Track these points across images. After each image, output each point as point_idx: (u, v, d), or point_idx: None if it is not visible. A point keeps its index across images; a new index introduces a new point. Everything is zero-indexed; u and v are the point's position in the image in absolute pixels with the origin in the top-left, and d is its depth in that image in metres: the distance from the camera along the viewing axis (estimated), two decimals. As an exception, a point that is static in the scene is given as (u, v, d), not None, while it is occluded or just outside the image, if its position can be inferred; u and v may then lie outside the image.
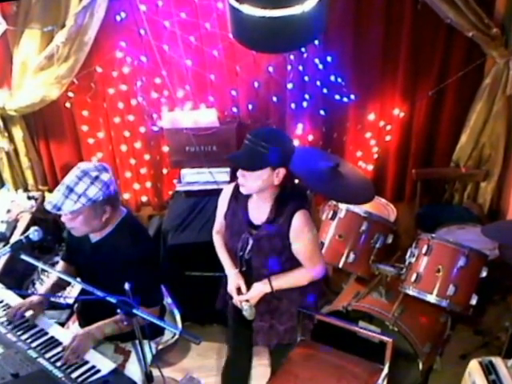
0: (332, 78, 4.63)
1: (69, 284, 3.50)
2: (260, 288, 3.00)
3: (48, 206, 2.77)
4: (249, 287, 3.03)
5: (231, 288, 3.05)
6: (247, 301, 3.01)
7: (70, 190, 2.74)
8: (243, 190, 2.88)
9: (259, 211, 2.97)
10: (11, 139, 4.81)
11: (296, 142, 4.79)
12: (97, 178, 2.79)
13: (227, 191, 3.11)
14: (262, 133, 2.83)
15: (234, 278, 3.05)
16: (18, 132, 4.78)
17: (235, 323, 3.33)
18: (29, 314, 3.06)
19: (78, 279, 3.02)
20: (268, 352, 3.63)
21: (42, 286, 3.39)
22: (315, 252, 3.01)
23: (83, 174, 2.78)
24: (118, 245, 2.94)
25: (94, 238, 3.02)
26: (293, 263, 3.01)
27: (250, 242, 2.95)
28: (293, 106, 4.71)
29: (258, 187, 2.83)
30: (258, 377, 3.68)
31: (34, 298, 3.13)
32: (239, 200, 3.02)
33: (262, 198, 2.92)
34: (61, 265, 3.36)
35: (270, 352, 3.56)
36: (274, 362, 3.57)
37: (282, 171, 2.82)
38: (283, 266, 3.00)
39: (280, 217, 2.89)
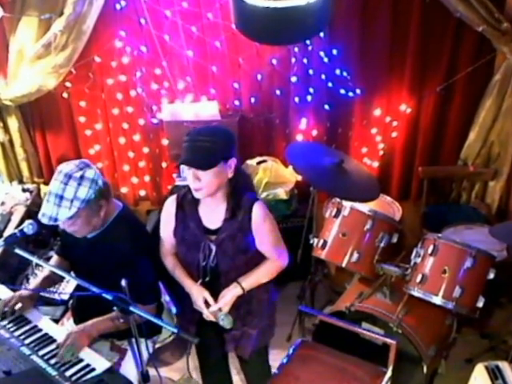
0: (337, 71, 4.63)
1: (62, 279, 3.48)
2: (232, 293, 2.92)
3: (44, 220, 2.76)
4: (216, 296, 2.94)
5: (199, 304, 2.95)
6: (220, 310, 2.93)
7: (60, 197, 2.72)
8: (200, 195, 2.80)
9: (214, 214, 2.91)
10: (6, 130, 4.80)
11: (299, 137, 4.79)
12: (82, 177, 2.76)
13: (170, 205, 3.01)
14: (199, 130, 2.79)
15: (198, 293, 2.95)
16: (13, 122, 4.76)
17: (205, 340, 3.20)
18: (18, 306, 3.05)
19: (73, 274, 3.01)
20: (238, 363, 3.52)
21: (33, 280, 3.37)
22: (278, 240, 2.99)
23: (67, 177, 2.74)
24: (114, 240, 2.93)
25: (90, 233, 3.00)
26: (258, 259, 2.97)
27: (213, 248, 2.89)
28: (296, 99, 4.70)
29: (216, 186, 2.77)
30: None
31: (24, 291, 3.12)
32: (186, 210, 2.95)
33: (215, 199, 2.86)
34: (55, 259, 3.34)
35: (241, 363, 3.45)
36: (246, 372, 3.51)
37: (233, 161, 2.79)
38: (249, 265, 2.96)
39: (238, 213, 2.85)
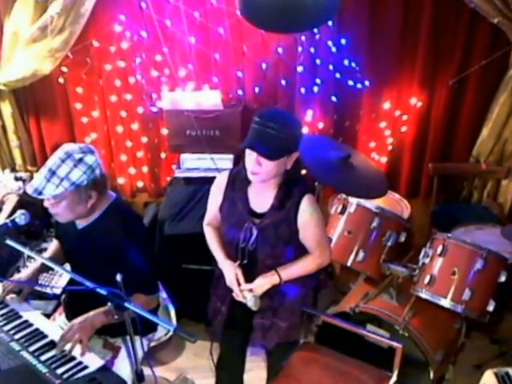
0: (345, 62, 4.60)
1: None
2: (268, 279, 2.97)
3: (29, 190, 2.75)
4: (251, 281, 2.99)
5: (231, 279, 3.01)
6: (251, 290, 2.97)
7: (53, 172, 2.72)
8: (255, 179, 2.84)
9: (262, 199, 2.95)
10: (-1, 115, 4.79)
11: (305, 130, 4.76)
12: (81, 160, 2.75)
13: (221, 180, 3.07)
14: (273, 116, 2.78)
15: (231, 269, 3.01)
16: (6, 108, 4.73)
17: (231, 322, 3.27)
18: (10, 297, 3.07)
19: (67, 268, 2.99)
20: (265, 354, 3.58)
21: (25, 270, 3.35)
22: (323, 237, 3.04)
23: (67, 155, 2.75)
24: (107, 231, 2.91)
25: (81, 224, 2.99)
26: (299, 252, 3.01)
27: (254, 231, 2.93)
28: (302, 90, 4.68)
29: (273, 174, 2.82)
30: (255, 380, 3.66)
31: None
32: (237, 188, 3.00)
33: (267, 185, 2.90)
34: (55, 243, 3.34)
35: (268, 353, 3.51)
36: (270, 364, 3.53)
37: (296, 155, 2.84)
38: (290, 256, 3.00)
39: (286, 202, 2.89)
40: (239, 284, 2.99)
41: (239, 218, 2.98)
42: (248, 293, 2.97)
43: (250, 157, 2.77)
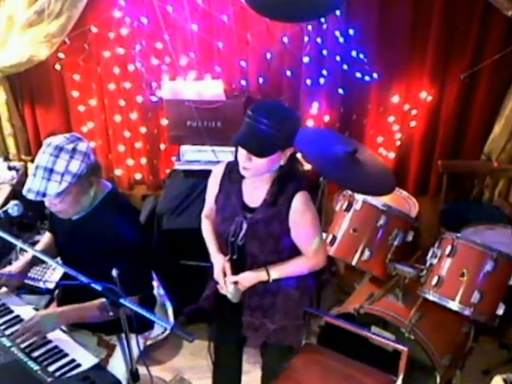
0: (353, 53, 4.57)
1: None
2: (256, 274, 2.97)
3: (30, 196, 2.69)
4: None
5: (217, 272, 3.02)
6: (236, 283, 2.97)
7: (50, 170, 2.67)
8: (246, 174, 2.84)
9: (256, 193, 2.95)
10: (-7, 102, 4.77)
11: (310, 123, 4.74)
12: (74, 150, 2.73)
13: (218, 171, 3.08)
14: (268, 111, 2.74)
15: (220, 262, 3.02)
16: (0, 94, 4.73)
17: (221, 320, 3.30)
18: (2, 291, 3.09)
19: (61, 261, 2.97)
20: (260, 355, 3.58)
21: (15, 263, 3.33)
22: (316, 237, 2.99)
23: (58, 149, 2.70)
24: (101, 223, 2.90)
25: (76, 214, 2.96)
26: (291, 252, 3.00)
27: (244, 226, 2.93)
28: (308, 82, 4.66)
29: (265, 170, 2.81)
30: (255, 381, 3.66)
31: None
32: (233, 181, 3.00)
33: (261, 179, 2.90)
34: (47, 235, 3.34)
35: (262, 355, 3.50)
36: (263, 365, 3.52)
37: (290, 150, 2.82)
38: (280, 255, 2.99)
39: (279, 199, 2.88)
40: (225, 276, 2.99)
41: (232, 211, 2.99)
42: (231, 284, 2.97)
43: (241, 152, 2.76)
